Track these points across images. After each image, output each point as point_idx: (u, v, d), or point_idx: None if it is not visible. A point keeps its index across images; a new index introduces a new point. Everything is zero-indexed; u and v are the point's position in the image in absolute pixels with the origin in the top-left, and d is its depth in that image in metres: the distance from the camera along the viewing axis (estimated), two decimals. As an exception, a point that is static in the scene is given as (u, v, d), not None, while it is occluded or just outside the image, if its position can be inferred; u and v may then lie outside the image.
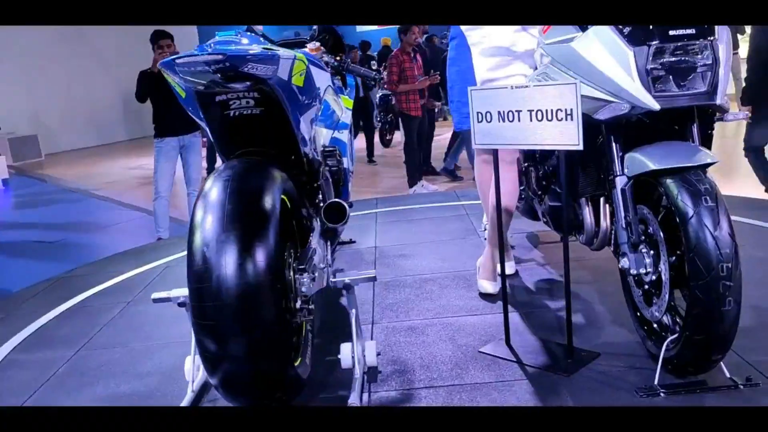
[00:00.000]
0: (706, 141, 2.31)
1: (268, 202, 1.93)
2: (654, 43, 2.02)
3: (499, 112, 2.29)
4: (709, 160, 2.02)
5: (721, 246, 1.85)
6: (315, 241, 2.30)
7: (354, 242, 4.25)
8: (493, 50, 2.91)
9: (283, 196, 2.20)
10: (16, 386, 2.61)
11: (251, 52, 1.86)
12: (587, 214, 2.55)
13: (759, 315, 2.59)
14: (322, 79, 3.15)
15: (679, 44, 2.02)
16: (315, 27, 3.64)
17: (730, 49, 2.12)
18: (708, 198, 1.90)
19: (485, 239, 3.65)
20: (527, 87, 2.20)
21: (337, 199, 2.33)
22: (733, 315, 1.88)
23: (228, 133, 2.28)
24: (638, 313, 2.32)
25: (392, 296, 3.19)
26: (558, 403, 2.11)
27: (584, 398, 2.12)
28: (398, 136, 9.60)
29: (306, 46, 3.45)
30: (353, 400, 2.11)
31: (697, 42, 2.02)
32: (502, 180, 3.03)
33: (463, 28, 2.99)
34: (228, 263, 1.79)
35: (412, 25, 6.40)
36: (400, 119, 7.19)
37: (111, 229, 6.02)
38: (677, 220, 1.94)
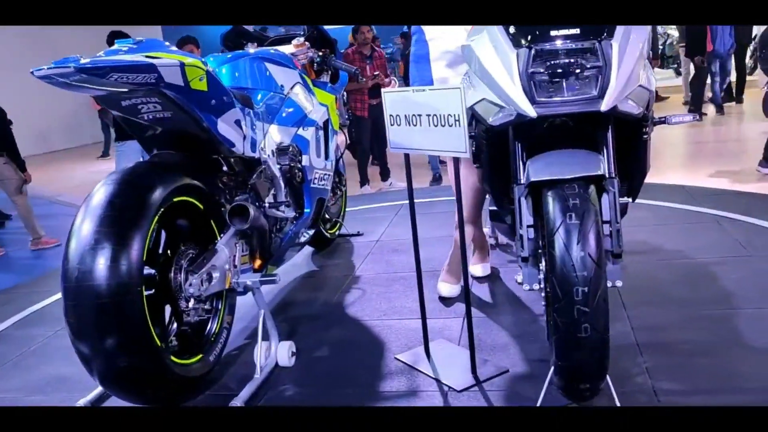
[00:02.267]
0: (635, 147, 2.12)
1: (142, 205, 2.00)
2: (534, 44, 1.88)
3: (406, 116, 2.23)
4: (596, 172, 1.87)
5: (578, 268, 1.71)
6: (223, 242, 2.35)
7: (361, 234, 4.26)
8: (449, 48, 2.81)
9: (189, 198, 2.28)
10: (-11, 361, 2.89)
11: (118, 63, 1.92)
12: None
13: (748, 334, 2.39)
14: (288, 76, 3.19)
15: (562, 46, 1.86)
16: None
17: (637, 49, 1.92)
18: (573, 214, 1.76)
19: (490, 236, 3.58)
20: (424, 91, 2.12)
21: (241, 202, 2.37)
22: (592, 344, 1.73)
23: (145, 135, 2.39)
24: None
25: (356, 293, 3.19)
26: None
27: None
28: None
29: (291, 43, 3.51)
30: (235, 401, 2.16)
31: (584, 43, 1.85)
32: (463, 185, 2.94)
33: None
34: (90, 265, 1.89)
35: (361, 25, 6.18)
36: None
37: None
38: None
